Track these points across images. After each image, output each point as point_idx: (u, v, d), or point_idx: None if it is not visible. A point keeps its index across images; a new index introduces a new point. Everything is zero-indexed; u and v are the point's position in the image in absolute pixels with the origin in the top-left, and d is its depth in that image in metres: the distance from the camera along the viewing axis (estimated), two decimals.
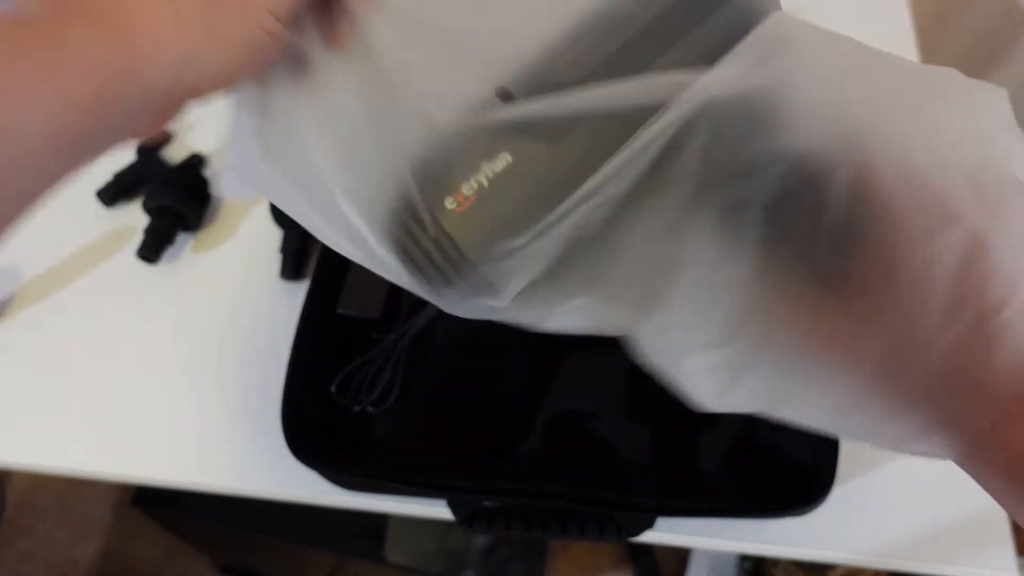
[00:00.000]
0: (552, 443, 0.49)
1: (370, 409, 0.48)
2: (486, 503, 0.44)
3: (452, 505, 0.45)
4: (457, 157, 0.27)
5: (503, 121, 0.27)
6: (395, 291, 0.52)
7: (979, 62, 0.96)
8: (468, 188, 0.26)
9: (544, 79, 0.27)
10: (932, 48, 0.91)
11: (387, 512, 0.50)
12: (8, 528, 1.24)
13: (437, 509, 0.47)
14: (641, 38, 0.27)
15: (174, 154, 0.62)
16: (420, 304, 0.52)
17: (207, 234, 0.58)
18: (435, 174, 0.27)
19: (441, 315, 0.53)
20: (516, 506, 0.44)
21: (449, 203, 0.26)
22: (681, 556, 1.17)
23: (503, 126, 0.27)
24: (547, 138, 0.26)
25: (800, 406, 0.26)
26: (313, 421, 0.48)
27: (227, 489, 0.49)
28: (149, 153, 0.61)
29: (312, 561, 1.07)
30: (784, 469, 0.47)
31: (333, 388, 0.48)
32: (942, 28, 0.92)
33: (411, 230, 0.27)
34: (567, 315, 0.30)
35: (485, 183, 0.26)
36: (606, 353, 0.51)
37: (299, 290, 0.52)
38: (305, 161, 0.27)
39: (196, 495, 0.51)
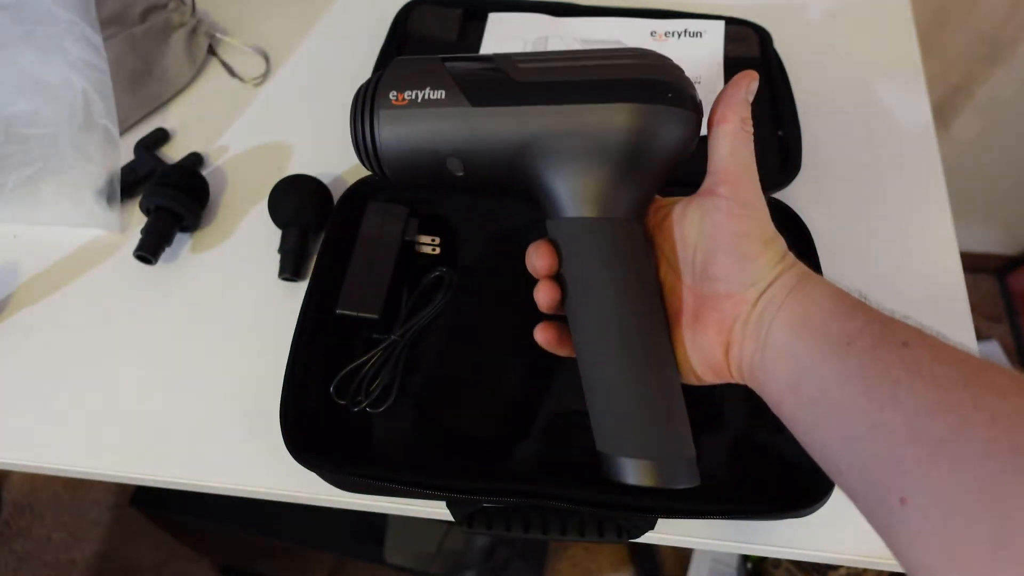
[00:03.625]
0: (552, 444, 0.49)
1: (369, 410, 0.48)
2: (486, 504, 0.44)
3: (452, 506, 0.45)
4: (423, 70, 0.37)
5: (455, 67, 0.37)
6: (395, 291, 0.52)
7: (980, 61, 0.95)
8: (408, 95, 0.36)
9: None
10: (933, 48, 0.91)
11: (387, 512, 0.50)
12: (6, 529, 1.23)
13: (437, 509, 0.47)
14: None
15: (172, 153, 0.62)
16: (420, 304, 0.52)
17: (205, 234, 0.58)
18: (407, 71, 0.37)
19: (441, 315, 0.53)
20: (516, 507, 0.44)
21: (393, 95, 0.37)
22: (682, 557, 1.17)
23: (455, 72, 0.36)
24: (472, 101, 0.36)
25: None
26: (312, 421, 0.48)
27: (226, 489, 0.49)
28: (147, 152, 0.61)
29: (312, 562, 1.07)
30: (785, 470, 0.46)
31: (332, 388, 0.48)
32: (944, 28, 0.92)
33: (367, 88, 0.38)
34: None
35: (418, 99, 0.36)
36: None
37: (298, 290, 0.52)
38: None
39: (195, 495, 0.51)
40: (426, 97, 0.36)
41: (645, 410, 0.36)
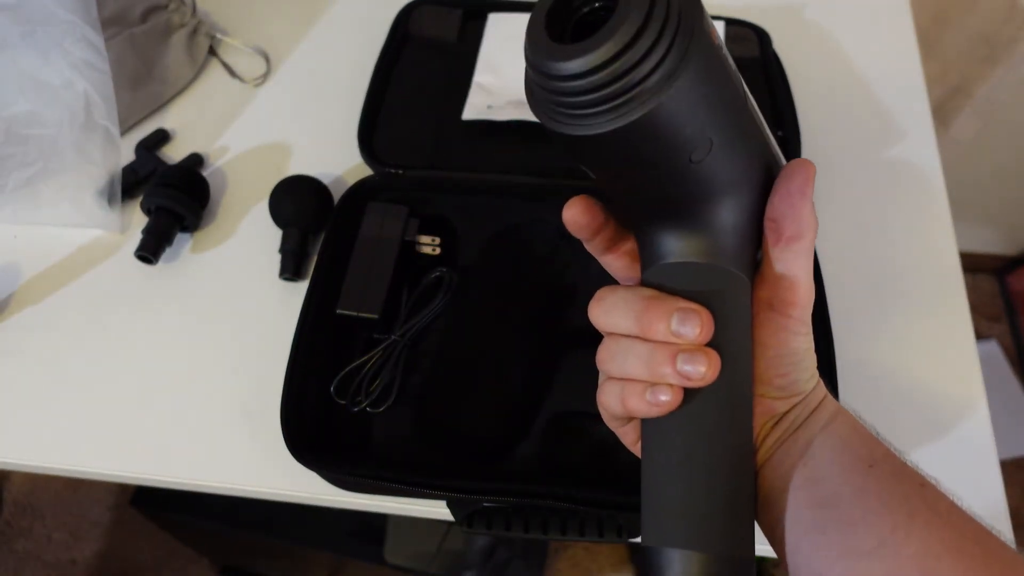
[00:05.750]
0: (552, 444, 0.49)
1: (369, 410, 0.48)
2: (486, 504, 0.44)
3: (452, 506, 0.45)
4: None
5: None
6: (395, 291, 0.52)
7: (979, 62, 0.96)
8: (720, 38, 0.25)
9: None
10: (933, 48, 0.91)
11: (387, 512, 0.50)
12: (7, 529, 1.23)
13: (437, 509, 0.47)
14: None
15: (172, 153, 0.62)
16: (420, 304, 0.52)
17: (206, 234, 0.58)
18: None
19: (441, 315, 0.53)
20: (516, 507, 0.44)
21: (710, 26, 0.24)
22: None
23: None
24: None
25: None
26: (313, 421, 0.48)
27: (226, 489, 0.49)
28: (148, 152, 0.61)
29: (312, 562, 1.07)
30: None
31: (332, 388, 0.48)
32: (943, 28, 0.92)
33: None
34: None
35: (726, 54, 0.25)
36: None
37: (299, 290, 0.52)
38: None
39: (195, 495, 0.51)
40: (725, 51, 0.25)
41: (715, 499, 0.30)
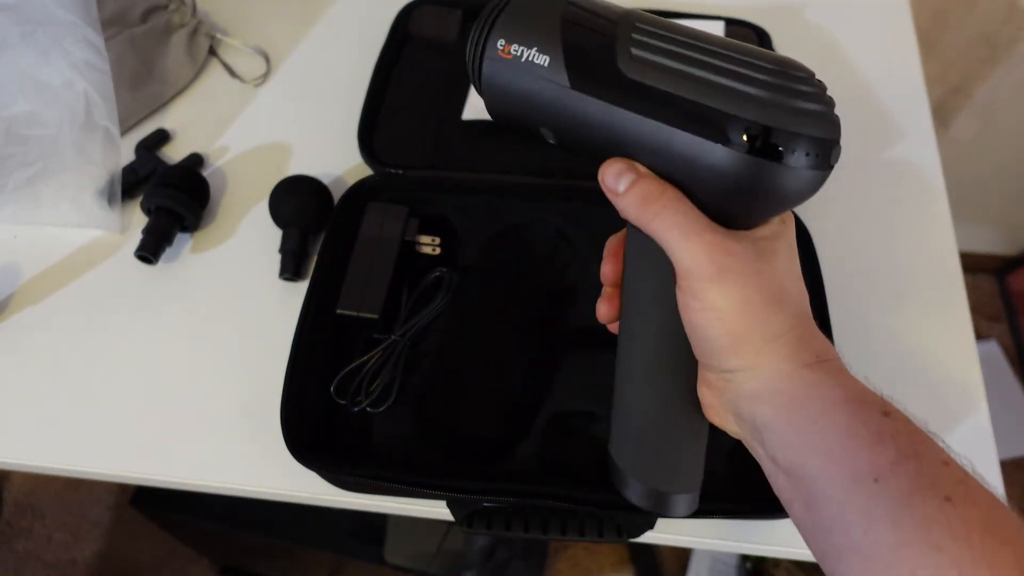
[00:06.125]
0: (552, 443, 0.49)
1: (369, 409, 0.48)
2: (486, 504, 0.44)
3: (452, 506, 0.45)
4: (538, 24, 0.32)
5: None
6: (395, 291, 0.52)
7: (979, 62, 0.96)
8: (514, 51, 0.32)
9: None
10: (933, 48, 0.91)
11: (387, 512, 0.50)
12: (7, 529, 1.23)
13: (437, 509, 0.47)
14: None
15: (173, 153, 0.62)
16: (420, 304, 0.52)
17: (206, 234, 0.58)
18: (524, 17, 0.33)
19: (441, 315, 0.53)
20: (516, 507, 0.44)
21: (501, 44, 0.33)
22: (681, 556, 1.17)
23: (568, 36, 0.32)
24: (572, 81, 0.32)
25: None
26: (313, 421, 0.48)
27: (226, 489, 0.49)
28: (148, 152, 0.61)
29: (312, 562, 1.07)
30: None
31: (332, 388, 0.48)
32: (943, 28, 0.92)
33: (485, 22, 0.33)
34: None
35: (521, 59, 0.32)
36: (606, 353, 0.51)
37: (299, 290, 0.52)
38: None
39: (195, 495, 0.51)
40: (530, 59, 0.32)
41: (670, 446, 0.36)
